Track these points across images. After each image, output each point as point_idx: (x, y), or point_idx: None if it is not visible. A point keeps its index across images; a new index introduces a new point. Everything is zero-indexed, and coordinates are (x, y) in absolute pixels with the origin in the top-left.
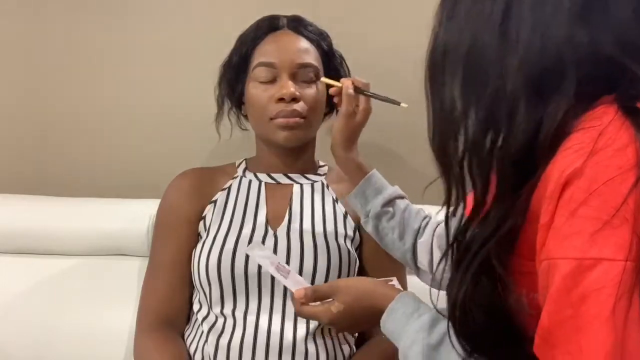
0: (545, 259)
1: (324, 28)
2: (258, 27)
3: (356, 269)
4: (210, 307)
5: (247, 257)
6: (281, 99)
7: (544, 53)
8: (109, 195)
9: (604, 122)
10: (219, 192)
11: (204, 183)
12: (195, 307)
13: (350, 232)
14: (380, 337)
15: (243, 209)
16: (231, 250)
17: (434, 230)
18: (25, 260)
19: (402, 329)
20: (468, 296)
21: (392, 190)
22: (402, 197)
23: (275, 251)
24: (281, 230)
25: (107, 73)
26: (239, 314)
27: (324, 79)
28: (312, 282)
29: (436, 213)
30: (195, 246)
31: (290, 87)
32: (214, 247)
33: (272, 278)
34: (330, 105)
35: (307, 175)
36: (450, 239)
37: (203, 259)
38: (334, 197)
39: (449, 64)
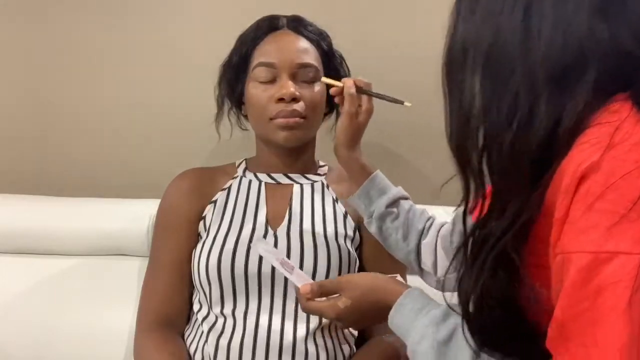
0: (560, 253)
1: (324, 28)
2: (258, 27)
3: (356, 269)
4: (210, 307)
5: (247, 257)
6: (281, 99)
7: (566, 49)
8: (109, 195)
9: (620, 118)
10: (219, 192)
11: (204, 183)
12: (195, 307)
13: (350, 232)
14: (381, 337)
15: (243, 209)
16: (231, 250)
17: (438, 232)
18: (25, 260)
19: (411, 325)
20: (485, 289)
21: (396, 190)
22: (405, 198)
23: None
24: (281, 230)
25: (107, 73)
26: (239, 314)
27: (324, 79)
28: None
29: (453, 211)
30: (195, 246)
31: (290, 87)
32: (214, 247)
33: (272, 278)
34: (330, 105)
35: (307, 175)
36: (463, 235)
37: (203, 259)
38: (334, 197)
39: (469, 61)
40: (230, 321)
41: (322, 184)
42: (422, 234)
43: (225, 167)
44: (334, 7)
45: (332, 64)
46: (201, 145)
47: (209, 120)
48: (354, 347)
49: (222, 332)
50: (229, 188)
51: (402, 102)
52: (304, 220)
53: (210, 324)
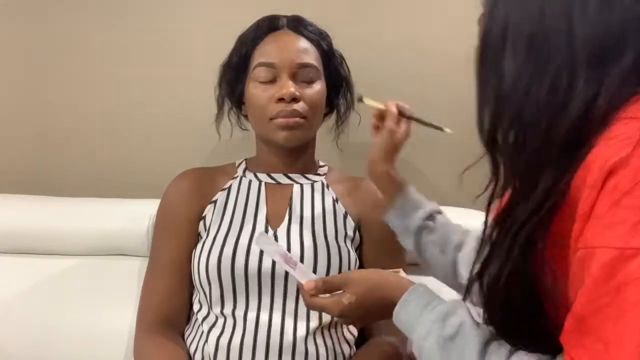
0: (583, 247)
1: (324, 28)
2: (258, 27)
3: (356, 269)
4: (210, 307)
5: (247, 257)
6: (281, 99)
7: (609, 29)
8: (109, 195)
9: None
10: (219, 192)
11: (204, 183)
12: (195, 307)
13: (350, 232)
14: (381, 337)
15: (243, 209)
16: (231, 251)
17: (474, 244)
18: (25, 260)
19: (416, 320)
20: (510, 276)
21: (432, 205)
22: (440, 212)
23: None
24: (281, 230)
25: (107, 73)
26: (239, 314)
27: (367, 101)
28: None
29: (476, 197)
30: (195, 246)
31: (290, 87)
32: (214, 247)
33: (272, 277)
34: (331, 105)
35: (307, 175)
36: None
37: (203, 259)
38: (334, 197)
39: (510, 40)
40: (230, 321)
41: (322, 184)
42: (458, 247)
43: (225, 167)
44: (334, 7)
45: (332, 64)
46: (201, 145)
47: (209, 120)
48: (354, 347)
49: (222, 332)
50: (229, 188)
51: (442, 129)
52: (304, 220)
53: (210, 324)
